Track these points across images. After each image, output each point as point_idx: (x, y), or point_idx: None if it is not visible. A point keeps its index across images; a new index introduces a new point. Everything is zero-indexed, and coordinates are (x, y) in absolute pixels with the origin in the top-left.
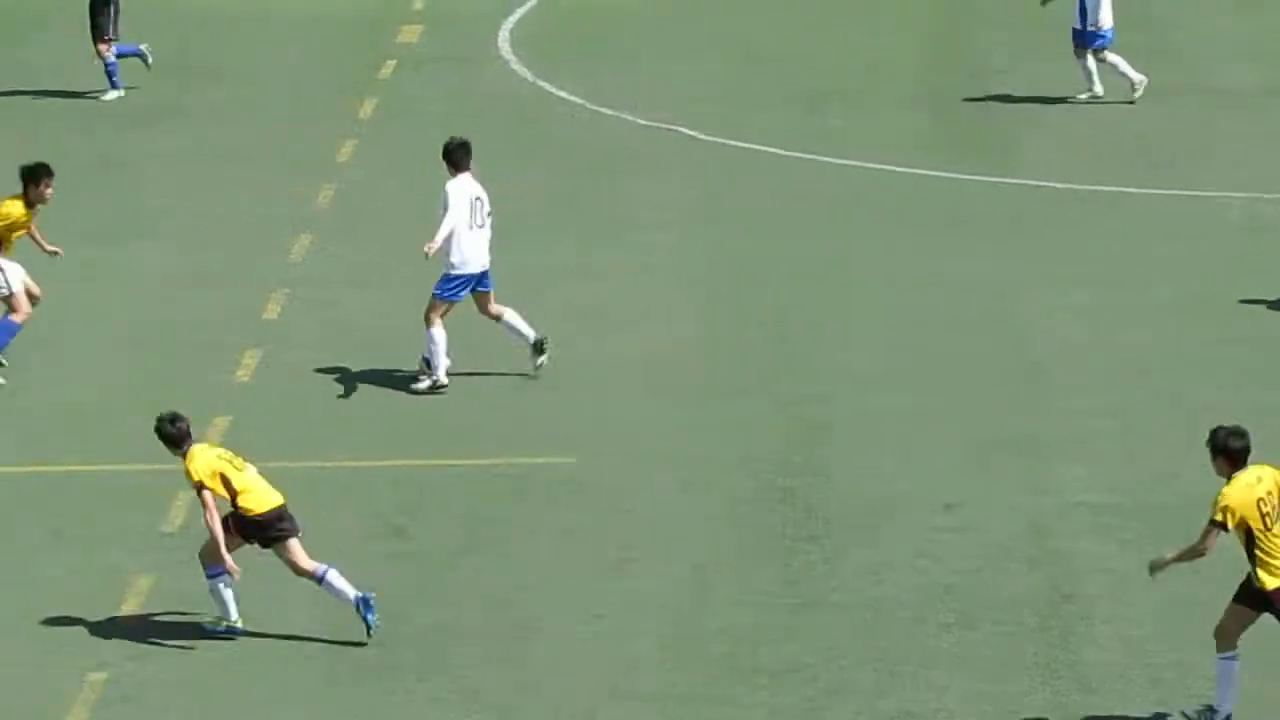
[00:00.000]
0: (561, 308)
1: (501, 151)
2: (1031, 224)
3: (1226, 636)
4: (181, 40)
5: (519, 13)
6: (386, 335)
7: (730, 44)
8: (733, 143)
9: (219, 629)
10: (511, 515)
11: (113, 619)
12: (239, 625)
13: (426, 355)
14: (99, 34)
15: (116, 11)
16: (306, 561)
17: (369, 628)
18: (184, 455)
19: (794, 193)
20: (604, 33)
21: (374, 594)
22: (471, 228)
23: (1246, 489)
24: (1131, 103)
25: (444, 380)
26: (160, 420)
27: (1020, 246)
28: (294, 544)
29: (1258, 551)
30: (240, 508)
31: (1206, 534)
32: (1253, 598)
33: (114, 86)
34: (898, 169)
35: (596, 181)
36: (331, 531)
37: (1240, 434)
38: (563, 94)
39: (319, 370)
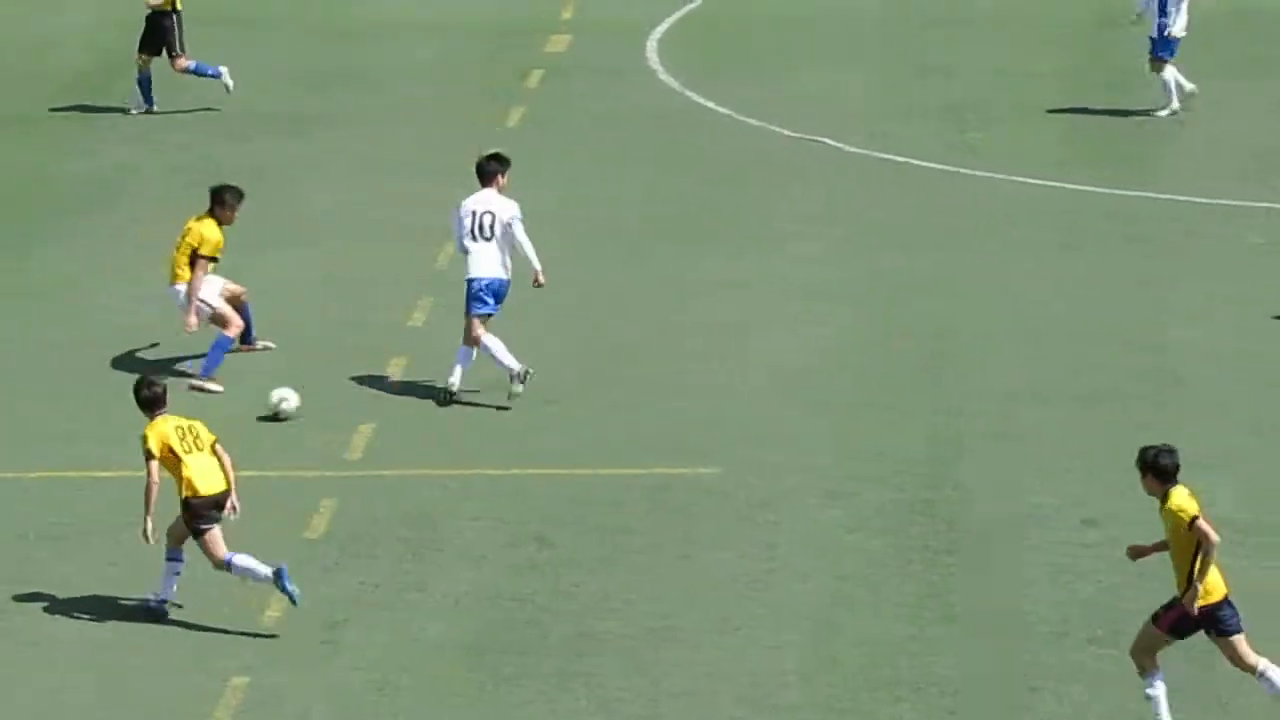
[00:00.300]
0: (706, 318)
1: (648, 161)
2: (1172, 238)
3: (1242, 662)
4: (329, 49)
5: (667, 23)
6: (530, 343)
7: (877, 56)
8: (878, 155)
9: (151, 603)
10: (653, 525)
11: (255, 624)
12: (165, 608)
13: (499, 366)
14: (171, 52)
15: (180, 26)
16: (221, 551)
17: (291, 598)
18: (149, 421)
19: (938, 205)
20: (752, 43)
21: (286, 564)
22: (477, 240)
23: (1192, 499)
24: (1147, 114)
25: (521, 369)
26: (139, 383)
27: (1160, 260)
28: (213, 534)
29: (1197, 567)
30: (180, 486)
31: (1205, 532)
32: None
33: (218, 76)
34: (1041, 182)
35: (742, 192)
36: (472, 539)
37: (1170, 451)
38: (710, 105)
39: (464, 378)
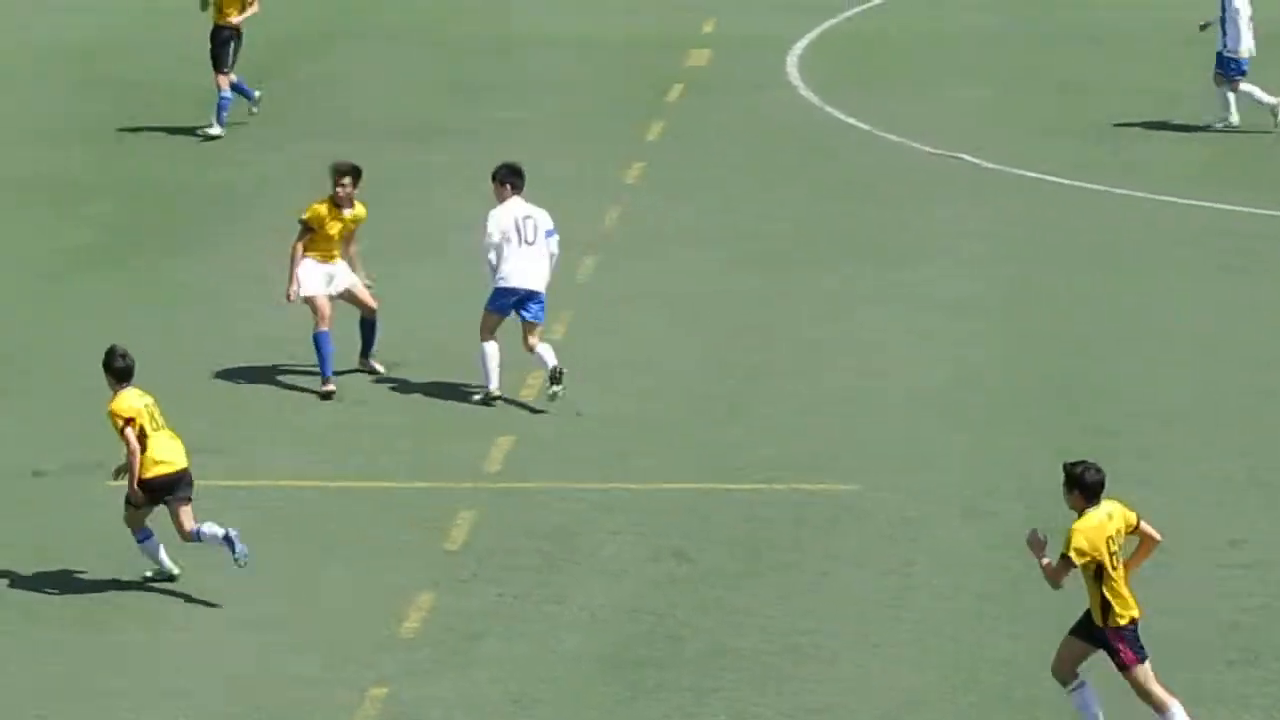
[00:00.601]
0: (843, 333)
1: (787, 176)
2: None
3: (1064, 670)
4: (471, 62)
5: (808, 38)
6: (671, 357)
7: (1018, 72)
8: (1018, 171)
9: (160, 577)
10: (792, 541)
11: (394, 635)
12: (176, 572)
13: (484, 376)
14: (219, 65)
15: (238, 46)
16: (189, 525)
17: (236, 558)
18: (115, 393)
19: (1076, 222)
20: (891, 59)
21: (237, 530)
22: (520, 245)
23: (1099, 526)
24: (1270, 132)
25: (496, 391)
26: (113, 353)
27: None
28: (184, 510)
29: (1104, 590)
30: (143, 464)
31: (1059, 569)
32: (1089, 633)
33: (219, 123)
34: (1184, 201)
35: (881, 208)
36: (611, 553)
37: (1096, 469)
38: (850, 120)
39: (605, 391)
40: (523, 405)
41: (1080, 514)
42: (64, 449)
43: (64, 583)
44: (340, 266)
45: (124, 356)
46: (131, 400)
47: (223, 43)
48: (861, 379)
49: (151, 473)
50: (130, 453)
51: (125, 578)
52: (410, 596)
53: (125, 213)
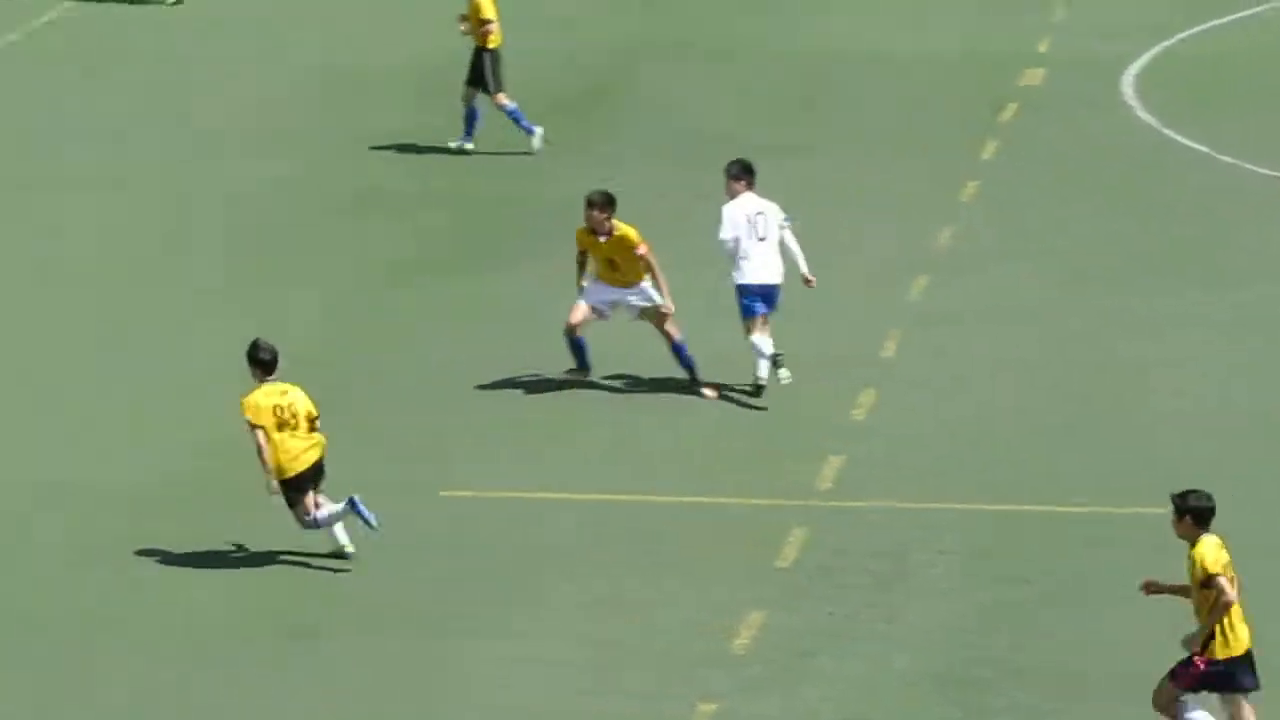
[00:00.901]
0: (1178, 355)
1: (1121, 197)
2: None
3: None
4: (802, 78)
5: (1144, 58)
6: (1002, 377)
7: None
8: None
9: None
10: (1128, 565)
11: (725, 651)
12: (350, 550)
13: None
14: (488, 88)
15: (497, 63)
16: (309, 513)
17: (368, 522)
18: (257, 385)
19: None
20: (1232, 81)
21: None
22: (753, 241)
23: (1219, 550)
24: None
25: (763, 379)
26: (257, 345)
27: None
28: (303, 503)
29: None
30: (276, 463)
31: (1222, 589)
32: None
33: (530, 131)
34: None
35: (1218, 231)
36: (942, 573)
37: (1208, 497)
38: (1188, 142)
39: (935, 411)
40: (855, 423)
41: (1195, 541)
42: (393, 462)
43: (403, 593)
44: (633, 291)
45: (268, 349)
46: (260, 400)
47: (479, 66)
48: (1197, 402)
49: (288, 473)
50: (259, 449)
51: (462, 587)
52: (741, 613)
53: (458, 225)
